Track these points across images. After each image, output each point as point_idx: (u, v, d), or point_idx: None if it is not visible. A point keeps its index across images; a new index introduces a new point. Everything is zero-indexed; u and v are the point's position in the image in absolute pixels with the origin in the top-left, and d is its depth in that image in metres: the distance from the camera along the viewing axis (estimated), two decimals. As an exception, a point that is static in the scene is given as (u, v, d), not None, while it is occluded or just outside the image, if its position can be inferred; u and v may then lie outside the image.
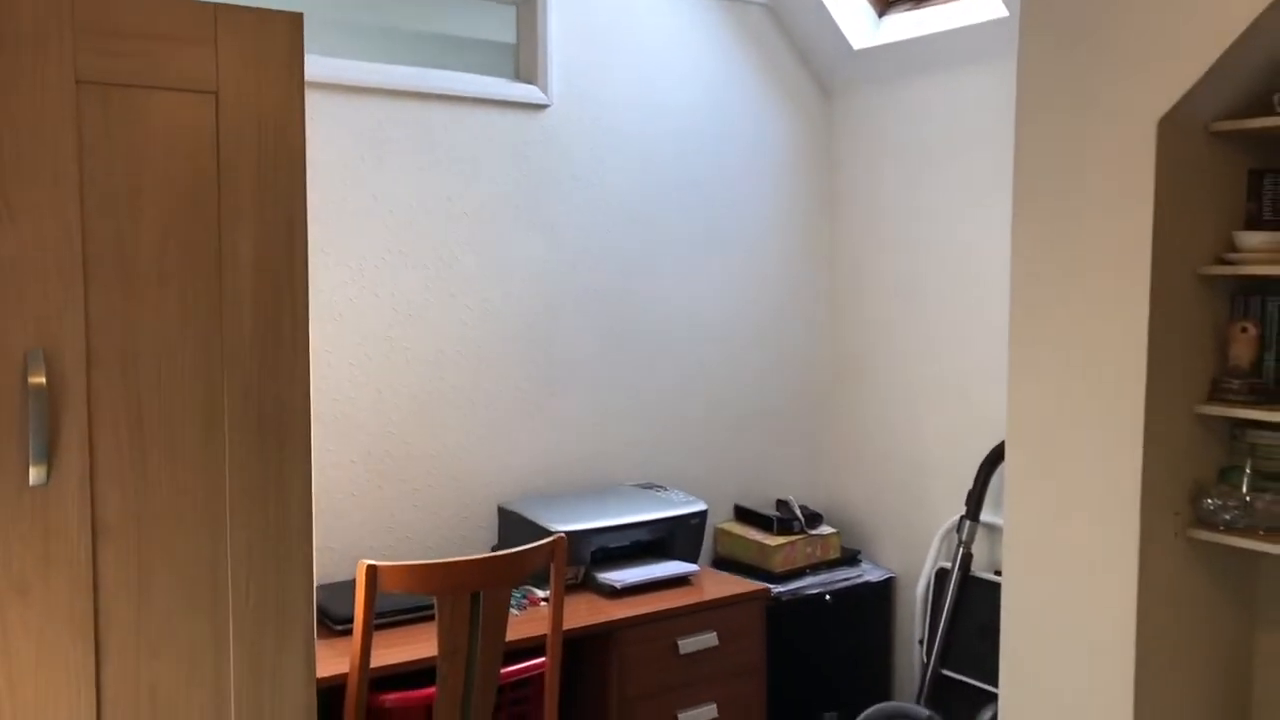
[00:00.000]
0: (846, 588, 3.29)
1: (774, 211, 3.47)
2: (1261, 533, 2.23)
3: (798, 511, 3.33)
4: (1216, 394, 2.30)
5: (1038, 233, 2.38)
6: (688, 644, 2.61)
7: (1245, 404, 2.25)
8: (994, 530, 3.05)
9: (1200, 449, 2.33)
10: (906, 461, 3.40)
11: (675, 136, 3.25)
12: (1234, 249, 2.27)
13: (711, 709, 2.65)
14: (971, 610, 3.03)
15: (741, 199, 3.40)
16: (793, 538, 3.27)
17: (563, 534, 2.35)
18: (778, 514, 3.32)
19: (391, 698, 2.22)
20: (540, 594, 2.67)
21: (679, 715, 2.60)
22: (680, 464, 3.34)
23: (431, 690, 2.20)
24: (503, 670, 2.29)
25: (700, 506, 2.95)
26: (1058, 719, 2.39)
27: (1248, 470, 2.28)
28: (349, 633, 2.29)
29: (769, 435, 3.53)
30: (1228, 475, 2.34)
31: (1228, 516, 2.25)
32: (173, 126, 1.78)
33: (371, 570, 2.09)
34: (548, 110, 3.00)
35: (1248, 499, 2.24)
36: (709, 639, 2.65)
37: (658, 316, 3.26)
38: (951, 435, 3.26)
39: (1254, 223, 2.32)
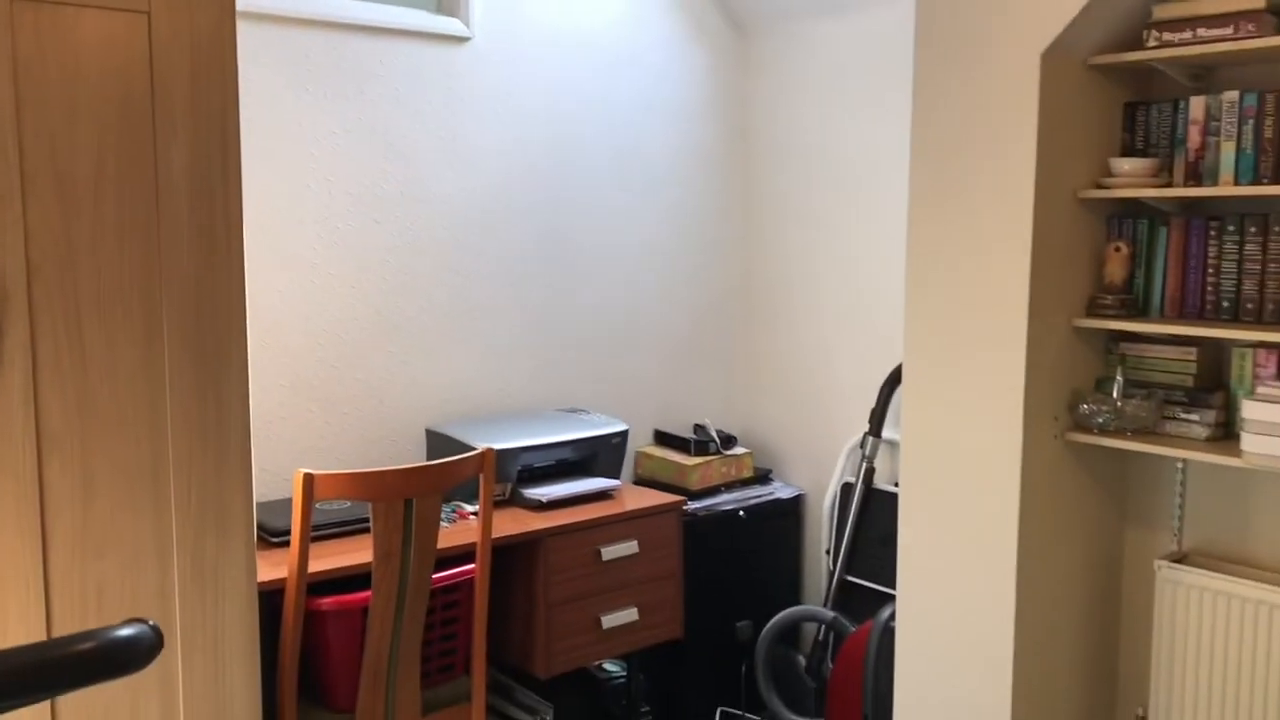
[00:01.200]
0: (759, 504, 3.48)
1: (688, 143, 3.60)
2: (1129, 434, 2.45)
3: (713, 434, 3.50)
4: (1093, 309, 2.51)
5: (932, 163, 2.55)
6: (609, 552, 2.77)
7: (1118, 317, 2.46)
8: (894, 446, 3.25)
9: (1078, 360, 2.54)
10: (815, 385, 3.59)
11: (593, 70, 3.34)
12: (1109, 174, 2.46)
13: (632, 612, 2.82)
14: (874, 520, 3.24)
15: (657, 132, 3.51)
16: (709, 458, 3.44)
17: (491, 447, 2.47)
18: (695, 436, 3.48)
19: (328, 601, 2.33)
20: (469, 509, 2.80)
21: (602, 618, 2.76)
22: (601, 390, 3.47)
23: (367, 594, 2.31)
24: (434, 576, 2.41)
25: (621, 427, 3.10)
26: (947, 612, 2.60)
27: (1119, 378, 2.49)
28: (285, 545, 2.39)
29: (686, 362, 3.68)
30: (1102, 384, 2.56)
31: (1101, 420, 2.47)
32: (106, 44, 1.83)
33: (308, 478, 2.19)
34: (469, 43, 3.07)
35: (1119, 404, 2.46)
36: (630, 547, 2.81)
37: (577, 245, 3.38)
38: (856, 359, 3.45)
39: (1128, 151, 2.52)
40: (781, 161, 3.62)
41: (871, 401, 3.30)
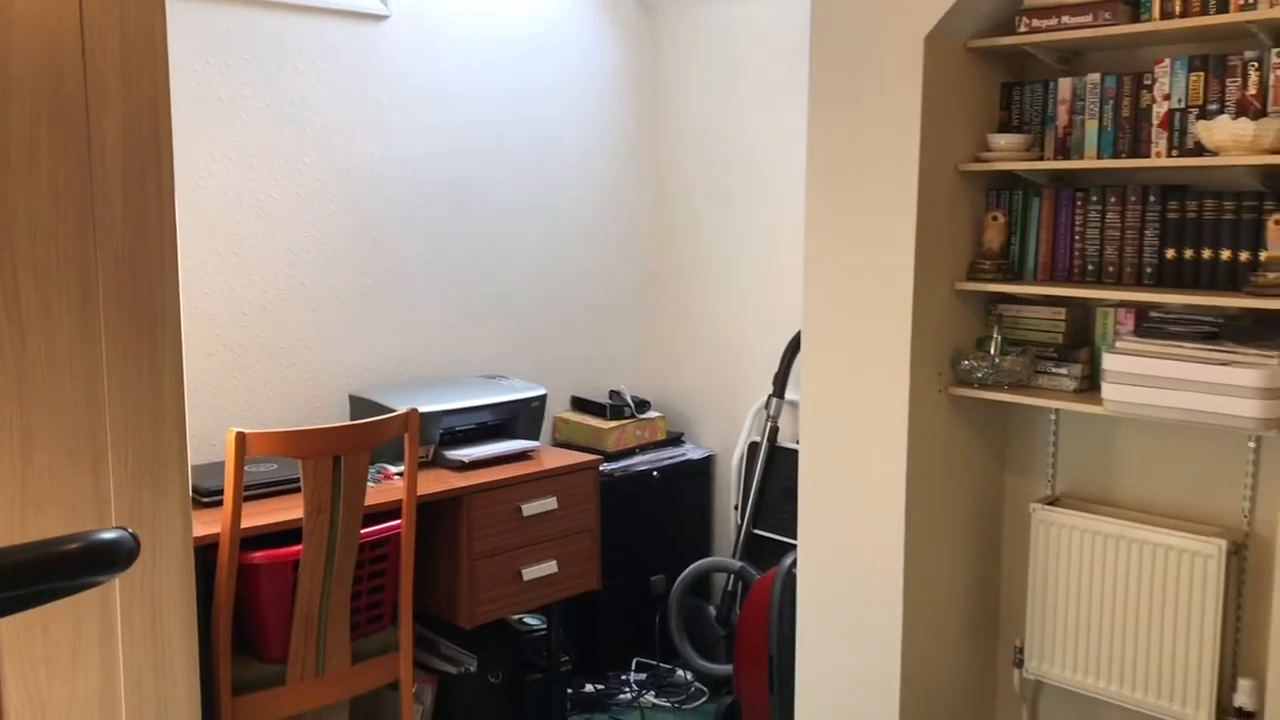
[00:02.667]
0: (672, 465, 3.66)
1: (600, 119, 3.74)
2: (1006, 387, 2.68)
3: (628, 399, 3.67)
4: (973, 273, 2.73)
5: (827, 139, 2.73)
6: (529, 508, 2.92)
7: (996, 280, 2.69)
8: (796, 406, 3.45)
9: (960, 320, 2.77)
10: (722, 352, 3.78)
11: (508, 47, 3.46)
12: (988, 149, 2.68)
13: (552, 565, 2.97)
14: (778, 476, 3.44)
15: (570, 109, 3.65)
16: (623, 422, 3.61)
17: (415, 408, 2.60)
18: (610, 402, 3.65)
19: (260, 555, 2.44)
20: (393, 470, 2.92)
21: (522, 571, 2.91)
22: (519, 359, 3.61)
23: (298, 549, 2.43)
24: (362, 531, 2.53)
25: (540, 391, 3.24)
26: (844, 555, 2.81)
27: (997, 337, 2.72)
28: (217, 504, 2.49)
29: (601, 331, 3.84)
30: (982, 343, 2.78)
31: (980, 375, 2.70)
32: (38, 16, 1.90)
33: (240, 436, 2.29)
34: (387, 21, 3.17)
35: (997, 360, 2.69)
36: (549, 503, 2.96)
37: (495, 219, 3.50)
38: (760, 326, 3.64)
39: (1004, 127, 2.74)
40: (689, 138, 3.79)
41: (775, 366, 3.50)
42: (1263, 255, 2.32)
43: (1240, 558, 2.54)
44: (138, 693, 2.12)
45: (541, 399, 3.24)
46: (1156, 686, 2.60)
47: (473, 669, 3.00)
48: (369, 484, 2.75)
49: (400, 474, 2.85)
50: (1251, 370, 2.23)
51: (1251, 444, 2.53)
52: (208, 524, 2.43)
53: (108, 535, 0.96)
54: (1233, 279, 2.38)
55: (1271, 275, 2.28)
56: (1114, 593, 2.65)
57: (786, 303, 3.52)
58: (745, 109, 3.61)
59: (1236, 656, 2.56)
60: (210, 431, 2.91)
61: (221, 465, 2.77)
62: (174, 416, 2.13)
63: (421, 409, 2.86)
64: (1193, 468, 2.63)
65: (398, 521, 2.63)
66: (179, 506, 2.16)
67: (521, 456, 3.06)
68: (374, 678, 2.62)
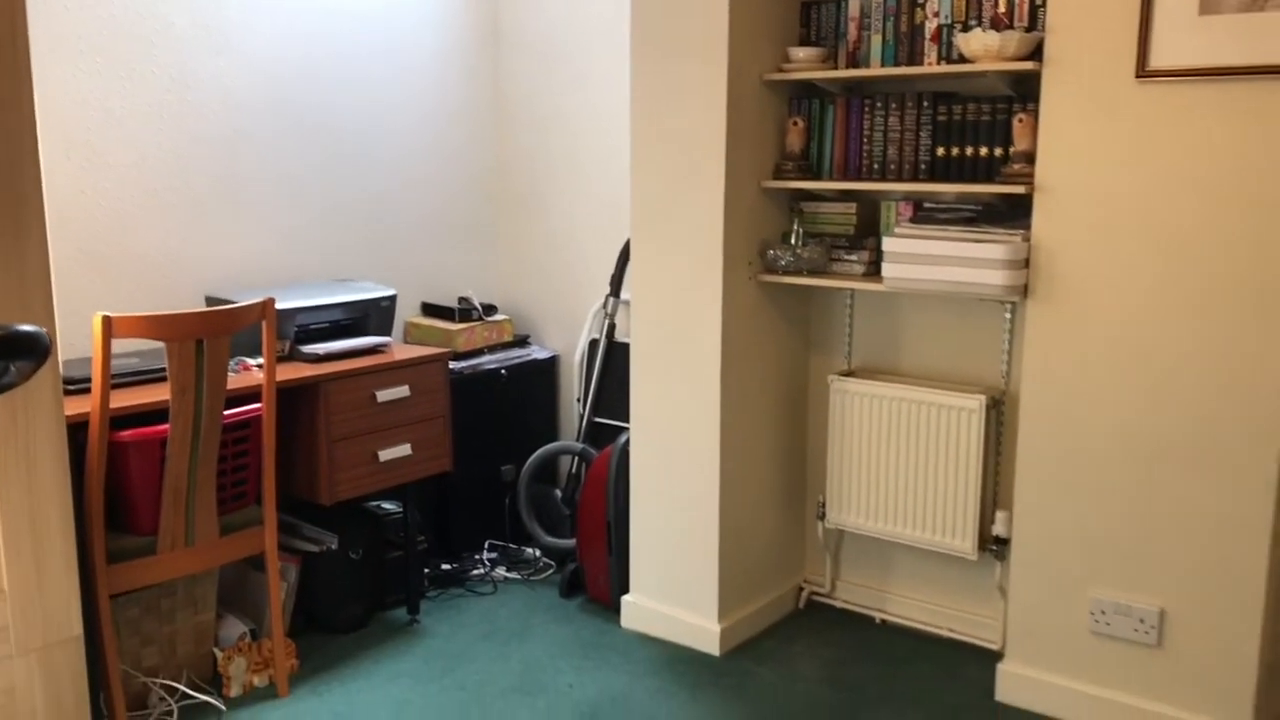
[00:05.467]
0: (519, 364, 3.94)
1: (446, 38, 3.93)
2: (806, 273, 3.06)
3: (476, 304, 3.92)
4: (778, 173, 3.08)
5: (649, 59, 3.02)
6: (384, 395, 3.15)
7: (797, 178, 3.05)
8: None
9: (767, 215, 3.12)
10: (564, 259, 4.06)
11: (351, -33, 3.62)
12: (788, 61, 3.02)
13: (406, 448, 3.23)
14: (615, 369, 3.76)
15: (418, 25, 3.83)
16: (472, 324, 3.87)
17: (272, 297, 2.79)
18: (459, 306, 3.89)
19: (129, 434, 2.62)
20: (252, 362, 3.11)
21: (379, 453, 3.16)
22: (371, 267, 3.81)
23: (165, 427, 2.62)
24: (225, 413, 2.74)
25: (389, 291, 3.46)
26: (668, 432, 3.16)
27: (798, 229, 3.09)
28: (82, 392, 2.65)
29: (449, 241, 4.07)
30: (786, 235, 3.15)
31: (784, 263, 3.06)
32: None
33: (106, 319, 2.46)
34: (230, -64, 3.29)
35: (798, 250, 3.05)
36: (402, 391, 3.20)
37: (343, 132, 3.67)
38: (597, 232, 3.93)
39: (803, 42, 3.09)
40: (529, 58, 4.02)
41: (612, 269, 3.81)
42: (1011, 150, 2.73)
43: (998, 411, 3.00)
44: (16, 553, 2.30)
45: (391, 299, 3.46)
46: (933, 524, 3.05)
47: (334, 547, 3.24)
48: (230, 374, 2.94)
49: (259, 366, 3.04)
50: (999, 245, 2.64)
51: (1007, 314, 2.97)
52: (77, 407, 2.58)
53: (27, 328, 1.18)
54: (989, 171, 2.80)
55: (1017, 166, 2.70)
56: (897, 448, 3.08)
57: (621, 210, 3.82)
58: (582, 28, 3.86)
59: (995, 494, 3.03)
60: (67, 333, 3.03)
61: (86, 361, 2.92)
62: (40, 299, 2.29)
63: (277, 306, 3.06)
64: (961, 337, 3.07)
65: (259, 405, 2.83)
66: (50, 389, 2.32)
67: (374, 351, 3.29)
68: (241, 548, 2.84)
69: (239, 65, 3.36)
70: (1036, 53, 2.63)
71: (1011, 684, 2.83)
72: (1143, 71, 2.44)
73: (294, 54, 3.50)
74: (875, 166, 2.99)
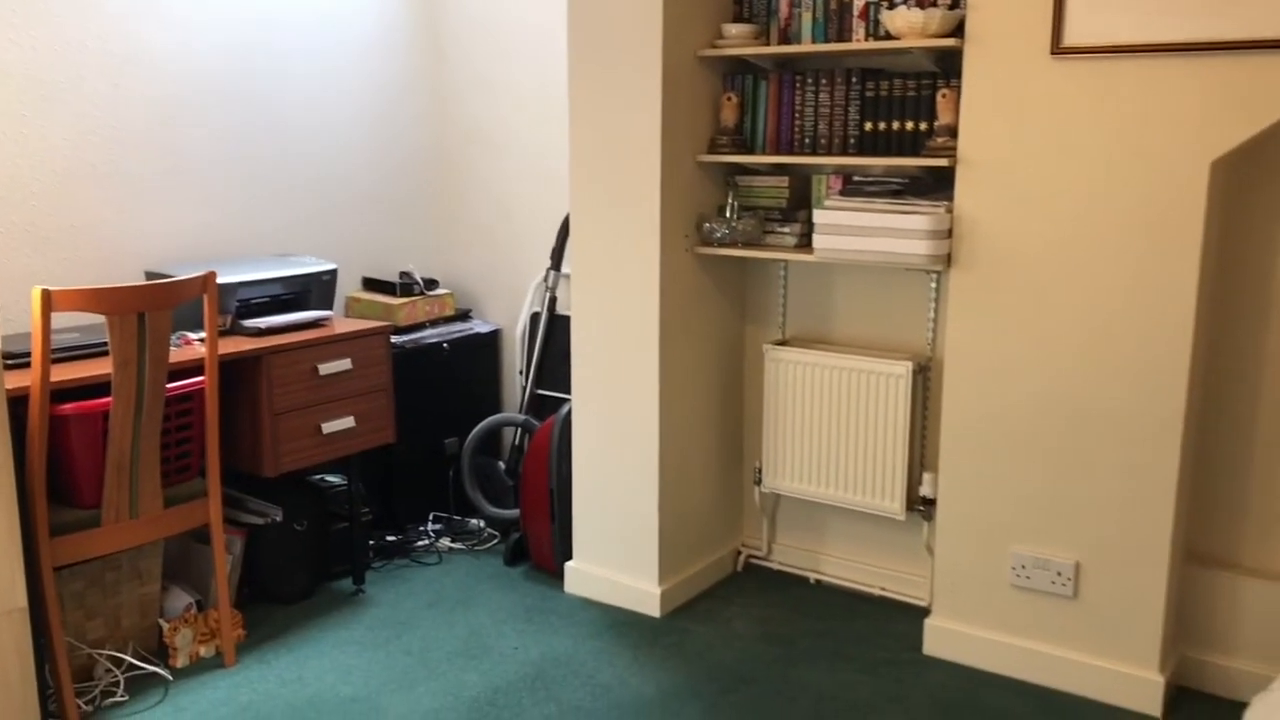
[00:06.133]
0: (461, 338, 3.98)
1: (387, 15, 3.94)
2: (741, 245, 3.14)
3: (418, 278, 3.95)
4: (712, 148, 3.16)
5: (586, 34, 3.06)
6: (326, 368, 3.19)
7: (731, 152, 3.12)
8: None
9: (703, 189, 3.19)
10: (505, 233, 4.10)
11: (287, -58, 3.61)
12: (722, 37, 3.09)
13: (349, 420, 3.27)
14: (558, 341, 3.82)
15: (354, 12, 3.83)
16: (413, 299, 3.90)
17: (214, 270, 2.81)
18: (400, 280, 3.92)
19: (71, 407, 2.63)
20: (194, 336, 3.12)
21: (322, 425, 3.19)
22: (312, 243, 3.83)
23: (107, 400, 2.63)
24: (168, 385, 2.75)
25: (330, 265, 3.48)
26: (609, 402, 3.23)
27: (733, 202, 3.17)
28: (22, 367, 2.65)
29: (390, 217, 4.09)
30: (721, 209, 3.23)
31: (719, 235, 3.14)
32: None
33: (46, 293, 2.47)
34: (163, -92, 3.27)
35: (733, 223, 3.13)
36: (344, 364, 3.24)
37: (284, 109, 3.68)
38: (538, 207, 3.98)
39: (737, 19, 3.16)
40: (470, 32, 4.05)
41: (552, 242, 3.86)
42: (935, 124, 2.83)
43: (924, 376, 3.11)
44: (-39, 526, 2.31)
45: (332, 273, 3.48)
46: (864, 487, 3.16)
47: (279, 519, 3.27)
48: (172, 348, 2.95)
49: (201, 340, 3.05)
50: (923, 217, 2.75)
51: (932, 283, 3.08)
52: (17, 381, 2.59)
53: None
54: (915, 145, 2.90)
55: (940, 140, 2.80)
56: (829, 414, 3.19)
57: (561, 184, 3.87)
58: (522, 2, 3.89)
59: (923, 457, 3.15)
60: (7, 307, 3.02)
61: (25, 336, 2.91)
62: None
63: (218, 280, 3.07)
64: (890, 306, 3.17)
65: (202, 378, 2.86)
66: (-10, 355, 2.33)
67: (315, 324, 3.31)
68: (185, 521, 2.87)
69: (178, 38, 3.35)
70: (959, 30, 2.73)
71: (938, 637, 2.96)
72: (1057, 48, 2.55)
73: (233, 27, 3.49)
74: (807, 141, 3.07)
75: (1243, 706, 2.58)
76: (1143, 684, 2.67)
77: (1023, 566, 2.80)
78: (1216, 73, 2.39)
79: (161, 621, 3.00)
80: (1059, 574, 2.75)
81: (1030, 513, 2.78)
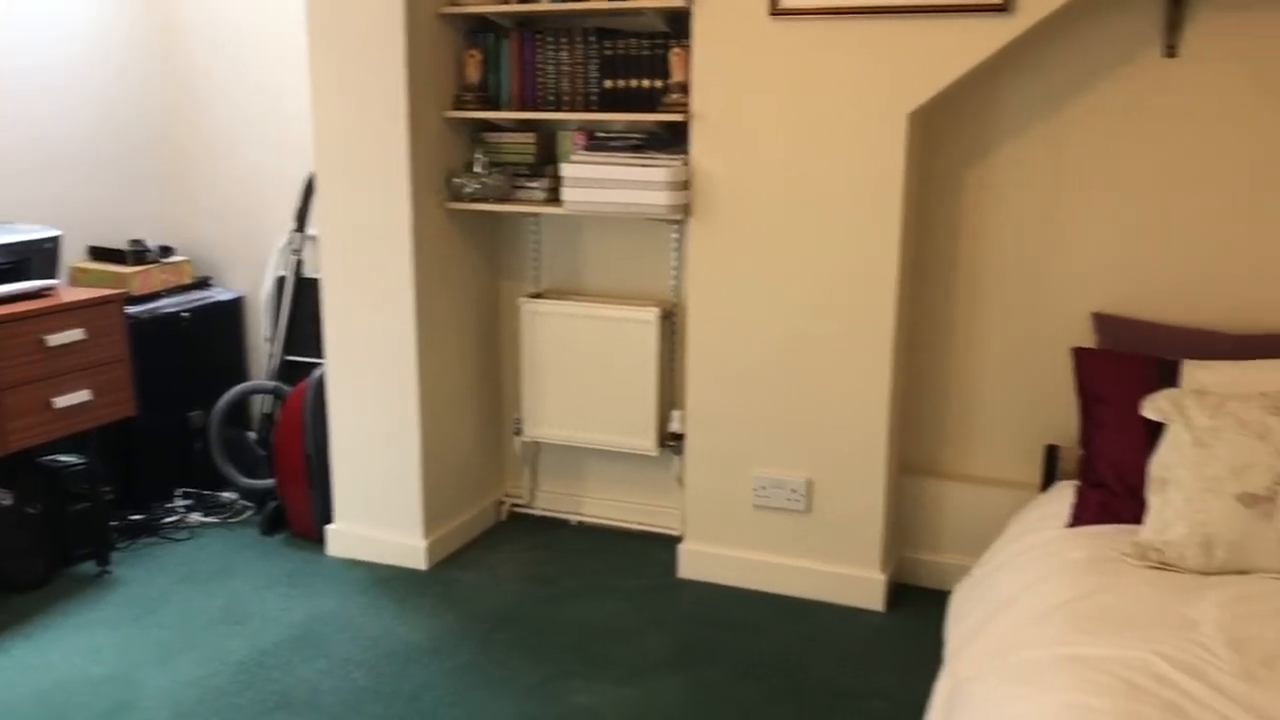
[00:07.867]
0: (201, 306, 3.84)
1: (96, -32, 3.71)
2: (492, 200, 3.21)
3: (150, 245, 3.76)
4: (458, 104, 3.21)
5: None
6: (55, 339, 3.00)
7: (477, 109, 3.18)
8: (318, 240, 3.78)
9: (451, 145, 3.24)
10: (243, 197, 3.97)
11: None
12: (462, -4, 3.14)
13: (85, 394, 3.09)
14: (306, 305, 3.75)
15: (60, -48, 3.59)
16: (147, 267, 3.72)
17: (-83, 236, 2.60)
18: (131, 249, 3.72)
19: None
20: (-104, 309, 2.86)
21: (54, 400, 3.01)
22: (30, 210, 3.56)
23: None
24: None
25: (53, 232, 3.26)
26: (365, 363, 3.22)
27: (481, 157, 3.23)
28: None
29: (117, 184, 3.86)
30: (470, 166, 3.29)
31: (469, 191, 3.20)
32: None
33: None
34: None
35: (483, 178, 3.20)
36: (75, 334, 3.06)
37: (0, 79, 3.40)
38: (277, 169, 3.87)
39: (476, -21, 3.21)
40: (192, -13, 3.87)
41: (295, 203, 3.78)
42: (669, 81, 3.01)
43: (670, 321, 3.31)
44: None
45: (54, 240, 3.26)
46: (619, 428, 3.33)
47: (8, 502, 3.07)
48: None
49: (-95, 313, 2.81)
50: (661, 169, 2.92)
51: (674, 234, 3.28)
52: None
53: None
54: (652, 102, 3.07)
55: (674, 96, 2.98)
56: (584, 362, 3.33)
57: (300, 143, 3.79)
58: (246, -40, 3.77)
59: (672, 396, 3.36)
60: None
61: None
62: None
63: (-77, 246, 2.83)
64: (637, 256, 3.35)
65: (-90, 352, 2.64)
66: None
67: (39, 294, 3.11)
68: (-99, 507, 2.64)
69: None
70: (687, -8, 2.91)
71: (690, 561, 3.18)
72: (775, 10, 2.78)
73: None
74: (550, 98, 3.18)
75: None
76: (868, 584, 2.99)
77: (763, 488, 3.05)
78: (911, 34, 2.69)
79: (-124, 619, 2.76)
80: (794, 491, 3.02)
81: (768, 438, 3.03)
